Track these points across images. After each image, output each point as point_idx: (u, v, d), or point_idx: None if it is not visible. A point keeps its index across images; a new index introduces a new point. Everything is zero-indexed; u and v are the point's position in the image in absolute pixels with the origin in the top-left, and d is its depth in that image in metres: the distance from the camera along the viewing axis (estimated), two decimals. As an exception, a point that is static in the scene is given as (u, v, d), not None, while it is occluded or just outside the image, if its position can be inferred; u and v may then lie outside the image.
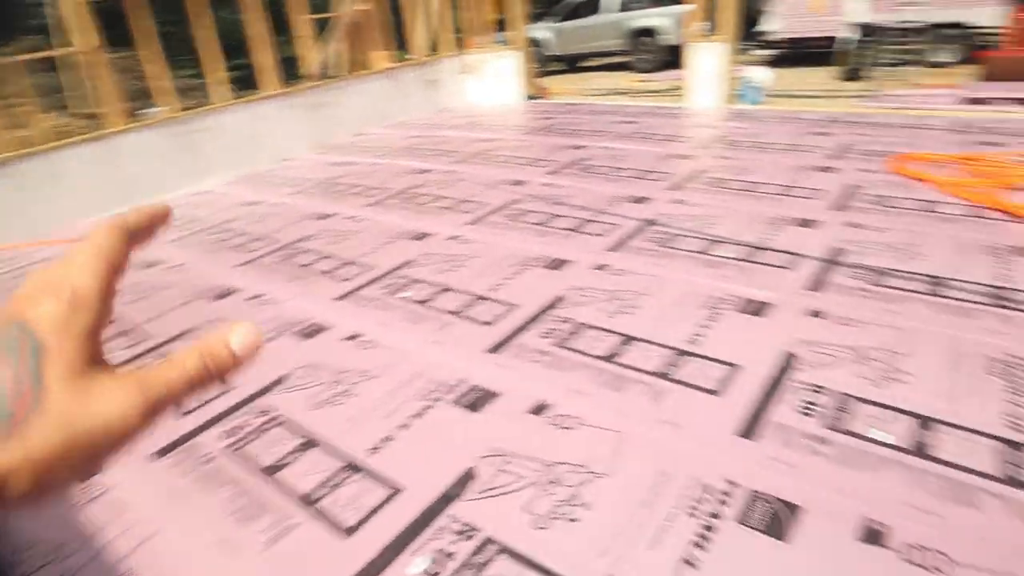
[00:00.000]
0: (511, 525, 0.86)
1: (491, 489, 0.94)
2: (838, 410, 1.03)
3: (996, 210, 1.65)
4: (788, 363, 1.15)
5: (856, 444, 0.96)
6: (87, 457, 0.20)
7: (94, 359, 0.21)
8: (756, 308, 1.33)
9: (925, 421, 0.98)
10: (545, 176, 2.39)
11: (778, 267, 1.49)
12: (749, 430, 1.01)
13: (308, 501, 0.95)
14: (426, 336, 1.38)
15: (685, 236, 1.70)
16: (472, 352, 1.30)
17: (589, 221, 1.88)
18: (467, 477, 0.97)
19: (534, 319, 1.39)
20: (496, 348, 1.31)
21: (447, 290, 1.57)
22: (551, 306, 1.44)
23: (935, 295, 1.31)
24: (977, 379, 1.06)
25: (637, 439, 1.00)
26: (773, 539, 0.82)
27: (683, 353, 1.21)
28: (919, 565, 0.77)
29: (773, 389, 1.09)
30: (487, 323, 1.40)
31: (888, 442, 0.95)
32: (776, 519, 0.85)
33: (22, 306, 0.21)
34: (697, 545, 0.82)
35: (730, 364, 1.17)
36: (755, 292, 1.39)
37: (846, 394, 1.06)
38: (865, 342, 1.18)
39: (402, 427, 1.10)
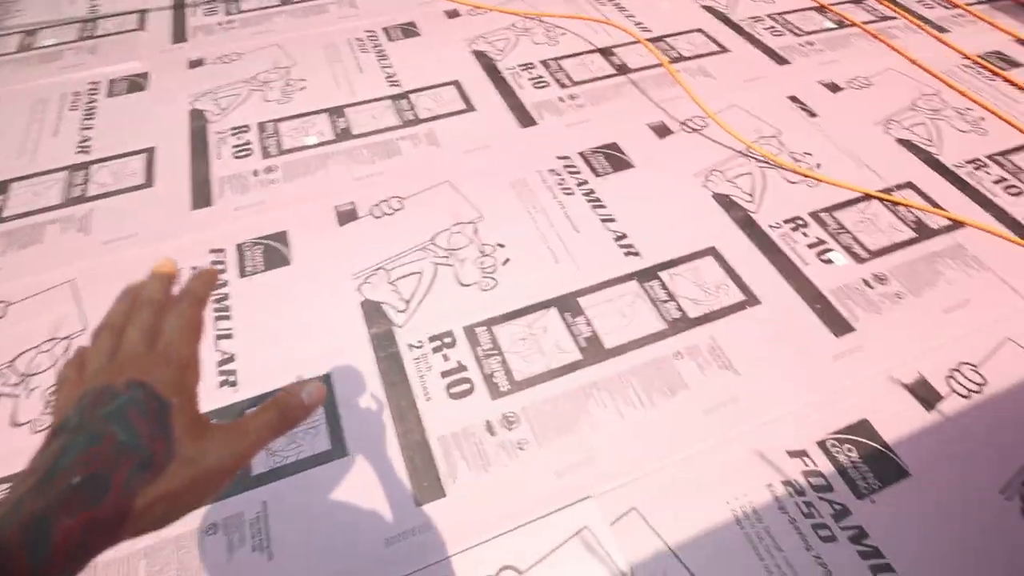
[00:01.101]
0: None
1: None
2: (268, 138, 1.03)
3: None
4: (201, 120, 1.07)
5: (298, 156, 1.00)
6: (203, 491, 0.25)
7: (200, 412, 0.26)
8: (128, 84, 1.15)
9: (334, 110, 1.08)
10: None
11: (127, 32, 1.29)
12: (204, 198, 0.94)
13: None
14: None
15: (-11, 38, 1.28)
16: None
17: None
18: None
19: None
20: None
21: None
22: None
23: (288, 4, 1.35)
24: (360, 61, 1.19)
25: (93, 276, 0.83)
26: (279, 269, 0.84)
27: (80, 167, 0.99)
28: (386, 214, 0.91)
29: (201, 150, 1.02)
30: None
31: (319, 141, 1.02)
32: (271, 252, 0.86)
33: (134, 371, 0.26)
34: (221, 318, 0.78)
35: (142, 150, 1.02)
36: (119, 68, 1.18)
37: (266, 121, 1.06)
38: (256, 69, 1.18)
39: None
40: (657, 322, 0.78)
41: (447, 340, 0.76)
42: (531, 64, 1.19)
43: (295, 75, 1.17)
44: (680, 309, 0.79)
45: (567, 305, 0.80)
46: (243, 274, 0.84)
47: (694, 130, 1.05)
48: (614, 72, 1.17)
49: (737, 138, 1.02)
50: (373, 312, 0.79)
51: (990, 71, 1.25)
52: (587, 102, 1.10)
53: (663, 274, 0.83)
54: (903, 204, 0.95)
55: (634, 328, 0.77)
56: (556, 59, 1.20)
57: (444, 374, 0.73)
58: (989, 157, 1.05)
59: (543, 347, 0.75)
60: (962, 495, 0.65)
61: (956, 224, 0.93)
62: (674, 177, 0.97)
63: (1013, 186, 1.00)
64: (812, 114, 1.10)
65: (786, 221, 0.91)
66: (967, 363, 0.76)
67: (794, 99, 1.13)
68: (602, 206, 0.92)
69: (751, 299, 0.81)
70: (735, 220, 0.91)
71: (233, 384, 0.74)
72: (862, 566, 0.60)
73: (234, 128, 1.06)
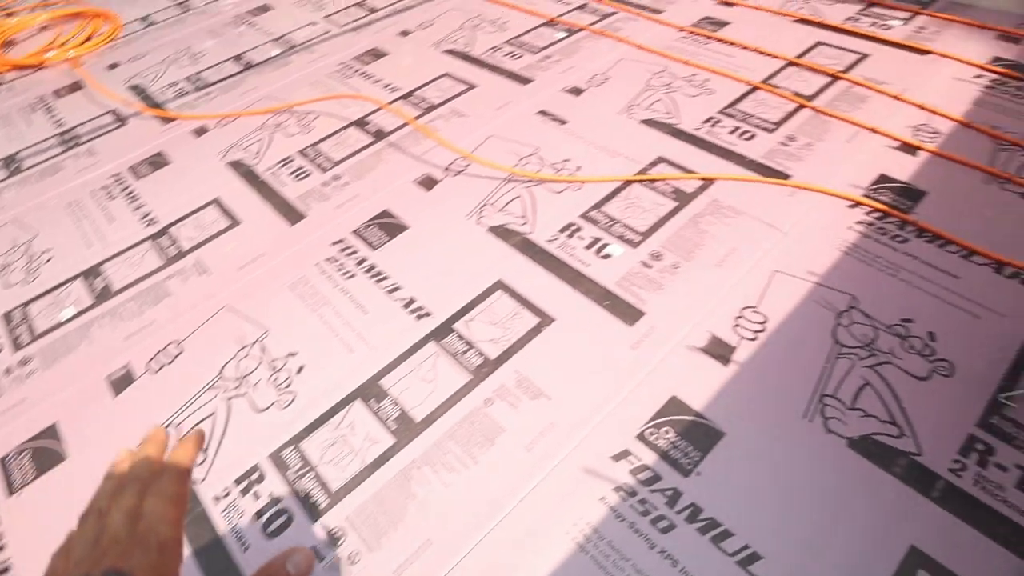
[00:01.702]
0: None
1: None
2: (16, 327, 0.93)
3: None
4: (-67, 333, 0.95)
5: (55, 335, 0.91)
6: None
7: None
8: None
9: (89, 272, 1.00)
10: None
11: None
12: (-51, 421, 0.82)
13: None
14: None
15: None
16: None
17: None
18: None
19: None
20: None
21: None
22: None
23: (16, 174, 1.25)
24: (109, 210, 1.11)
25: None
26: (54, 469, 0.75)
27: None
28: (165, 364, 0.84)
29: (-62, 367, 0.89)
30: None
31: (77, 311, 0.93)
32: (41, 454, 0.76)
33: (114, 557, 0.25)
34: (-15, 557, 0.68)
35: None
36: None
37: (12, 309, 0.96)
38: (-8, 255, 1.06)
39: None
40: (461, 375, 0.77)
41: (254, 476, 0.71)
42: (289, 158, 1.16)
43: (38, 247, 1.07)
44: (481, 354, 0.79)
45: (370, 392, 0.77)
46: (12, 491, 0.74)
47: (459, 172, 1.07)
48: (372, 140, 1.17)
49: (498, 168, 1.05)
50: (168, 478, 0.72)
51: (704, 36, 1.38)
52: (351, 178, 1.09)
53: (458, 325, 0.83)
54: (659, 179, 1.01)
55: (441, 390, 0.75)
56: (313, 145, 1.19)
57: (258, 514, 0.68)
58: (721, 112, 1.14)
59: (354, 445, 0.72)
60: (771, 433, 0.69)
61: (708, 182, 1.00)
62: (449, 225, 0.97)
63: (745, 132, 1.10)
64: (562, 122, 1.16)
65: (561, 231, 0.94)
66: (747, 307, 0.81)
67: (544, 113, 1.18)
68: (385, 278, 0.90)
69: (545, 319, 0.82)
70: (515, 246, 0.92)
71: (25, 622, 0.64)
72: (703, 542, 0.61)
73: (-23, 329, 0.94)
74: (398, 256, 0.93)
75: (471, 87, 1.28)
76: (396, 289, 0.88)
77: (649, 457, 0.68)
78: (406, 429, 0.72)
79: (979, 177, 0.96)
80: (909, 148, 1.03)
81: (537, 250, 0.91)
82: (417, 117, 1.21)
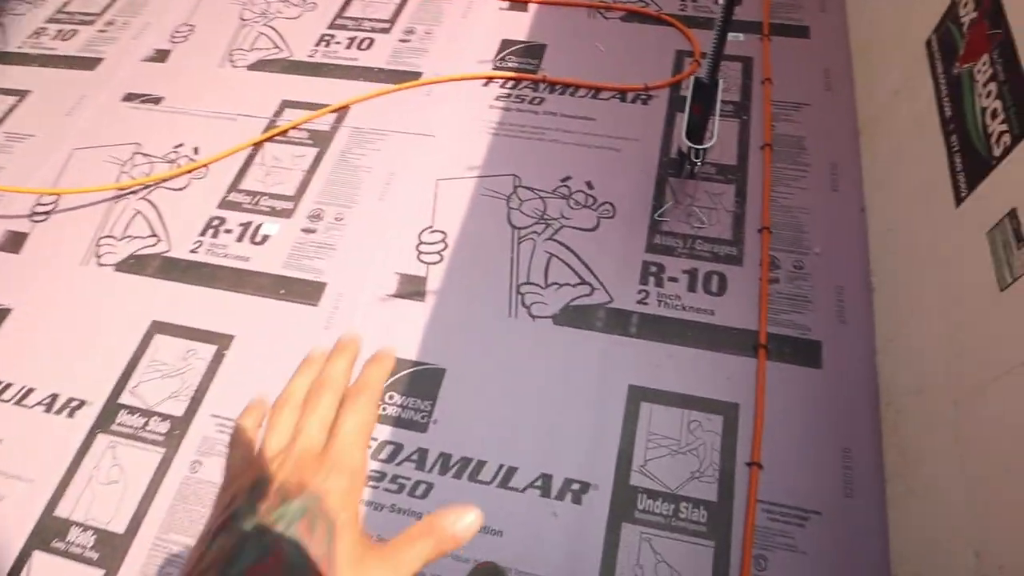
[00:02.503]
0: None
1: None
2: None
3: None
4: None
5: None
6: None
7: (362, 531, 0.25)
8: None
9: None
10: None
11: None
12: None
13: None
14: None
15: None
16: None
17: None
18: None
19: None
20: None
21: None
22: None
23: None
24: None
25: None
26: None
27: None
28: None
29: None
30: None
31: None
32: None
33: (309, 474, 0.24)
34: None
35: None
36: None
37: None
38: None
39: None
40: (152, 454, 0.67)
41: None
42: None
43: None
44: (165, 418, 0.69)
45: (49, 532, 0.64)
46: None
47: (49, 214, 0.88)
48: (-89, 216, 0.91)
49: (98, 190, 0.88)
50: None
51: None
52: (-99, 279, 0.84)
53: (123, 398, 0.71)
54: (290, 128, 0.93)
55: (135, 484, 0.66)
56: None
57: None
58: (331, 27, 1.07)
59: (53, 605, 0.60)
60: (483, 345, 0.71)
61: (342, 111, 0.95)
62: (63, 284, 0.81)
63: (362, 40, 1.05)
64: (157, 100, 1.00)
65: (203, 232, 0.84)
66: (424, 229, 0.81)
67: (131, 96, 1.01)
68: (7, 386, 0.74)
69: (223, 342, 0.74)
70: (155, 275, 0.80)
71: None
72: (462, 484, 0.63)
73: None
74: (11, 352, 0.76)
75: (23, 95, 1.04)
76: (27, 393, 0.73)
77: (384, 432, 0.67)
78: (112, 550, 0.62)
79: (583, 13, 1.04)
80: (520, 4, 1.07)
81: (183, 267, 0.81)
82: (-37, 161, 0.96)
